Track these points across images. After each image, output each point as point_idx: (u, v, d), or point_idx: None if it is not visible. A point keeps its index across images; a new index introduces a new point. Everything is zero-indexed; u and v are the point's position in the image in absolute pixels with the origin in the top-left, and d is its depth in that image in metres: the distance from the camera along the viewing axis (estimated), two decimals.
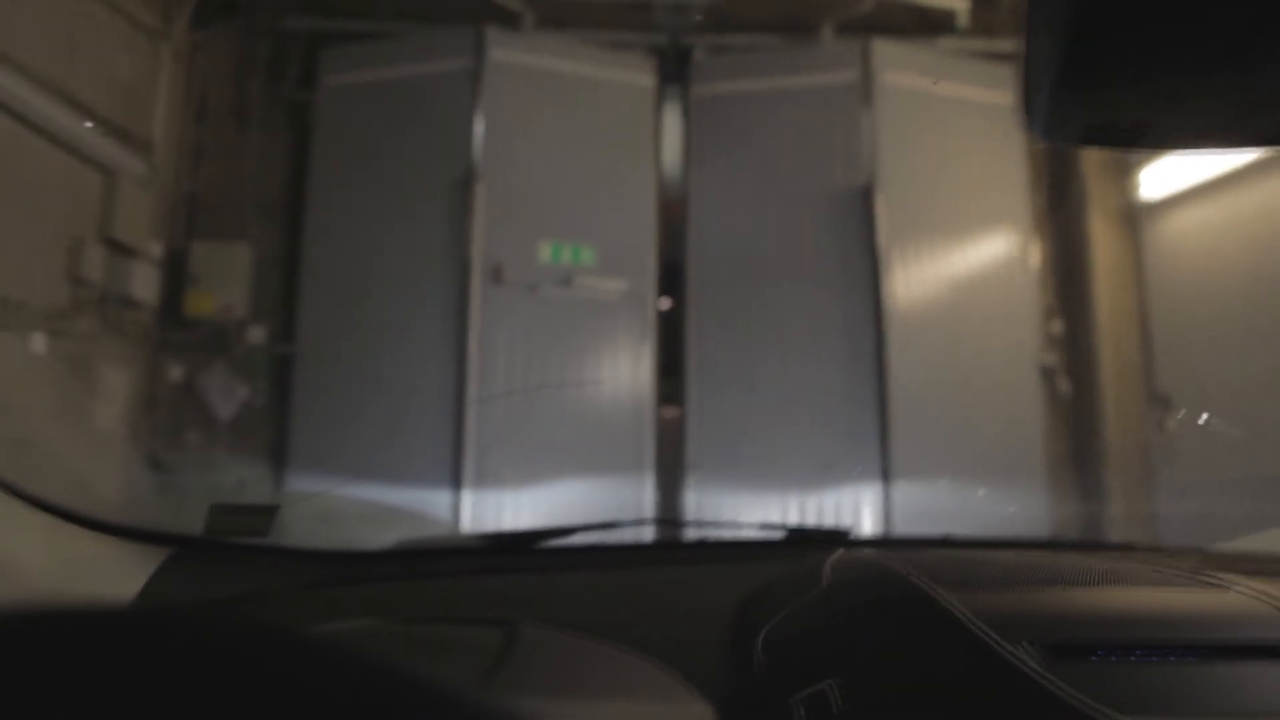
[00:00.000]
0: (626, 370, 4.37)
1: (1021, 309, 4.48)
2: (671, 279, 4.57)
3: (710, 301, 4.49)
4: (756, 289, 4.42)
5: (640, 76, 4.68)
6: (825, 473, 4.05)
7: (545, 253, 4.34)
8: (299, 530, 1.34)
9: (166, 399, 4.21)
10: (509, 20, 4.58)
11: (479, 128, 4.34)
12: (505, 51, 4.44)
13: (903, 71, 4.52)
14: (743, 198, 4.56)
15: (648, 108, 4.68)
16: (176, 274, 4.25)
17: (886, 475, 4.06)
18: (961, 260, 4.49)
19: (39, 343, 3.31)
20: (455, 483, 3.97)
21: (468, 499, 3.97)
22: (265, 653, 0.33)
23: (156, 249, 4.13)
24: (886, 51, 4.51)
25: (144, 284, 4.01)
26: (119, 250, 3.83)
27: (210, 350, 4.27)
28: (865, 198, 4.35)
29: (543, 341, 4.29)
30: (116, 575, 1.08)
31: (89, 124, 3.61)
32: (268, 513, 1.21)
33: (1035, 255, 4.56)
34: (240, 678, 0.32)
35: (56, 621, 0.33)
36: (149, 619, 0.36)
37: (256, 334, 4.35)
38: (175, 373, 4.22)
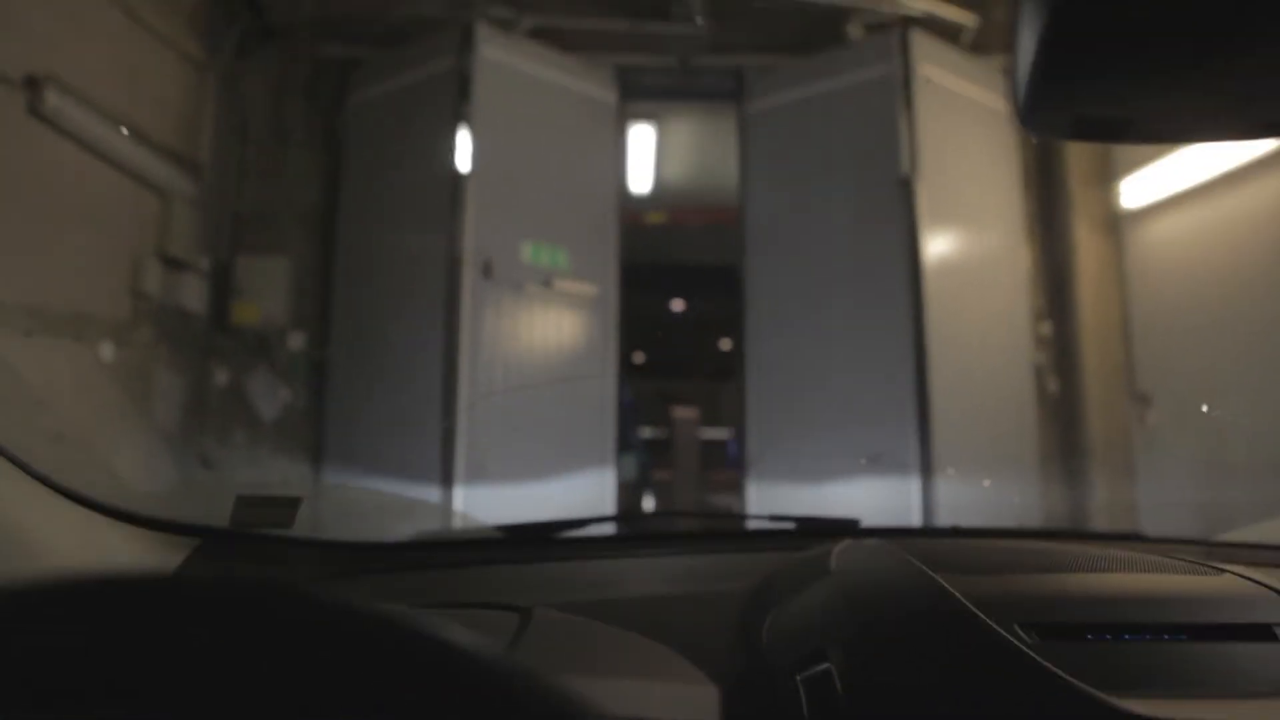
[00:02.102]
0: (596, 369, 4.69)
1: (1018, 310, 4.74)
2: (631, 284, 4.90)
3: (767, 306, 4.75)
4: (807, 291, 4.63)
5: (604, 92, 4.98)
6: (872, 466, 4.20)
7: (527, 252, 4.57)
8: (322, 522, 1.39)
9: (215, 402, 4.54)
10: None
11: (469, 125, 4.47)
12: (494, 50, 4.58)
13: (937, 66, 4.64)
14: (795, 203, 4.77)
15: (610, 121, 5.01)
16: (222, 286, 4.58)
17: (927, 468, 4.14)
18: (971, 259, 4.68)
19: (107, 351, 3.64)
20: (447, 477, 4.15)
21: (459, 492, 4.16)
22: (287, 620, 0.34)
23: (205, 263, 4.47)
24: (924, 45, 4.60)
25: (194, 296, 4.35)
26: (173, 265, 4.17)
27: (254, 356, 4.60)
28: (905, 189, 4.41)
29: (526, 340, 4.53)
30: (145, 566, 1.11)
31: (145, 148, 3.95)
32: (291, 504, 1.22)
33: (1026, 258, 4.83)
34: (290, 642, 0.33)
35: (104, 589, 0.34)
36: (180, 589, 0.37)
37: (296, 340, 4.68)
38: (223, 377, 4.55)
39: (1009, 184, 4.87)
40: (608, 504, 4.61)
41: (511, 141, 4.63)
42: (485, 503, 4.19)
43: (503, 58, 4.63)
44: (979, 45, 5.03)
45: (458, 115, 4.49)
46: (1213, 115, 0.57)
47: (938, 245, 4.46)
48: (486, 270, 4.37)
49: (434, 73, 4.66)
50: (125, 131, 3.69)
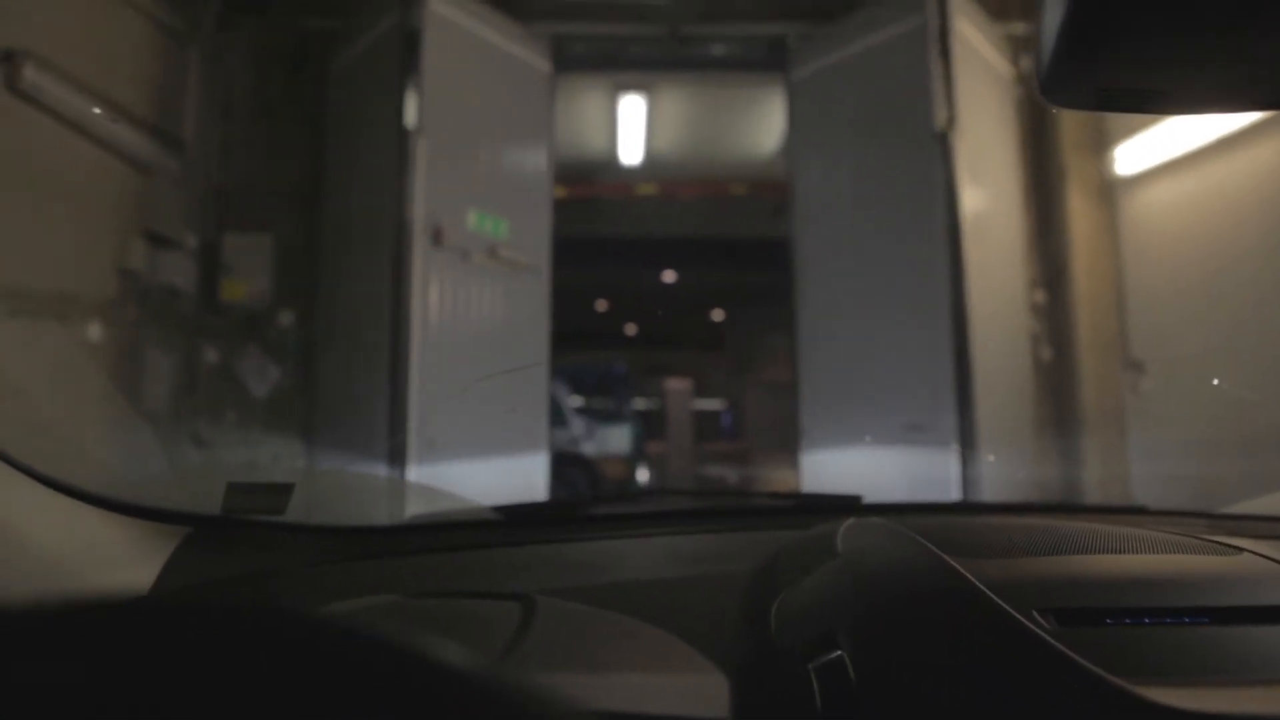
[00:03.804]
0: (530, 338, 4.73)
1: (1015, 279, 4.73)
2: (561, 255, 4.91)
3: (815, 274, 4.76)
4: (855, 257, 4.61)
5: (539, 61, 4.92)
6: (914, 434, 4.16)
7: (472, 221, 4.54)
8: (316, 507, 1.37)
9: (206, 381, 4.50)
10: None
11: (418, 83, 4.38)
12: (443, 5, 4.48)
13: (964, 20, 4.59)
14: (840, 166, 4.75)
15: (544, 91, 4.96)
16: (210, 263, 4.53)
17: (968, 439, 4.09)
18: (998, 218, 4.66)
19: (94, 332, 3.60)
20: (400, 454, 4.09)
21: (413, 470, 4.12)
22: (276, 636, 0.33)
23: (191, 241, 4.41)
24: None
25: (181, 274, 4.30)
26: (159, 243, 4.12)
27: (244, 334, 4.56)
28: (943, 142, 4.35)
29: (476, 310, 4.52)
30: (136, 556, 1.09)
31: (128, 125, 3.88)
32: (283, 490, 1.20)
33: (1023, 226, 4.81)
34: (252, 663, 0.32)
35: (70, 613, 0.33)
36: (161, 608, 0.36)
37: (286, 317, 4.63)
38: (212, 356, 4.51)
39: (1011, 149, 4.86)
40: (540, 476, 4.67)
41: (457, 102, 4.55)
42: (432, 478, 4.17)
43: (452, 15, 4.53)
44: (989, 10, 4.96)
45: (405, 74, 4.40)
46: (1244, 84, 0.56)
47: (973, 200, 4.41)
48: (437, 237, 4.32)
49: (383, 31, 4.58)
50: (98, 109, 3.62)
